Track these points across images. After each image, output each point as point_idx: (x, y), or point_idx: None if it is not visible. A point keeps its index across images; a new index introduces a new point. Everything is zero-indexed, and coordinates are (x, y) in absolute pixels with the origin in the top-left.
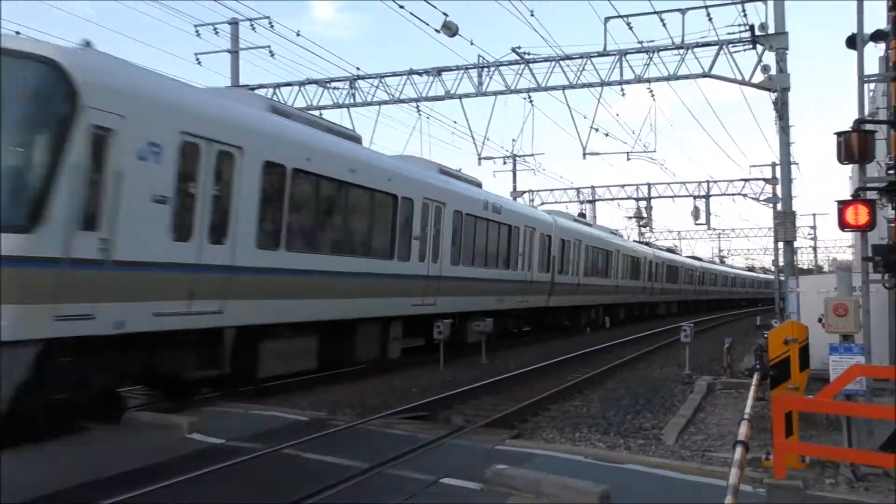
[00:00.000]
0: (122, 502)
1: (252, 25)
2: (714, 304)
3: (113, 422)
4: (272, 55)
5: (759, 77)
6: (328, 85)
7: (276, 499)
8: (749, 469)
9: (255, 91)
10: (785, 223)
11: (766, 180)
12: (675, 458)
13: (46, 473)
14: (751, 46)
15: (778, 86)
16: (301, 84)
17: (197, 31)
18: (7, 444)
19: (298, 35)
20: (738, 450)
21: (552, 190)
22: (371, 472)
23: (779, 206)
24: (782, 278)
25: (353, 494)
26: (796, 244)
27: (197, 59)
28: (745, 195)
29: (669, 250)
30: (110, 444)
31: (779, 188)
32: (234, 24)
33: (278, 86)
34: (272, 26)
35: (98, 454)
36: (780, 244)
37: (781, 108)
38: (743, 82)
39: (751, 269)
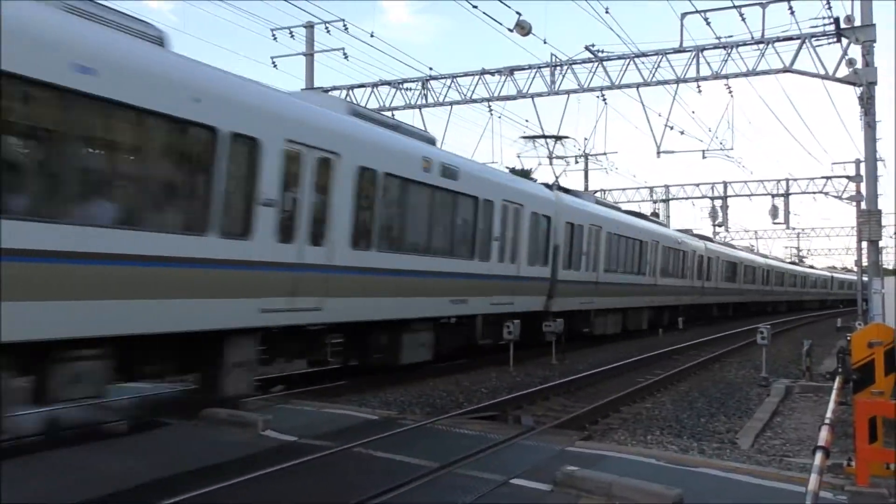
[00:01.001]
0: (197, 497)
1: (327, 28)
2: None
3: (190, 418)
4: (346, 57)
5: (843, 71)
6: (401, 86)
7: (347, 497)
8: (830, 475)
9: (330, 93)
10: (870, 222)
11: (849, 178)
12: (751, 462)
13: (124, 467)
14: (835, 40)
15: (864, 80)
16: (374, 85)
17: (273, 35)
18: (88, 438)
19: (372, 36)
20: (819, 455)
21: (625, 189)
22: (441, 472)
23: (863, 205)
24: (865, 279)
25: (424, 493)
26: (881, 243)
27: (273, 63)
28: (826, 193)
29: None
30: (187, 439)
31: (863, 186)
32: (309, 27)
33: (352, 87)
34: (346, 29)
35: (175, 449)
36: (864, 244)
37: (867, 103)
38: (826, 77)
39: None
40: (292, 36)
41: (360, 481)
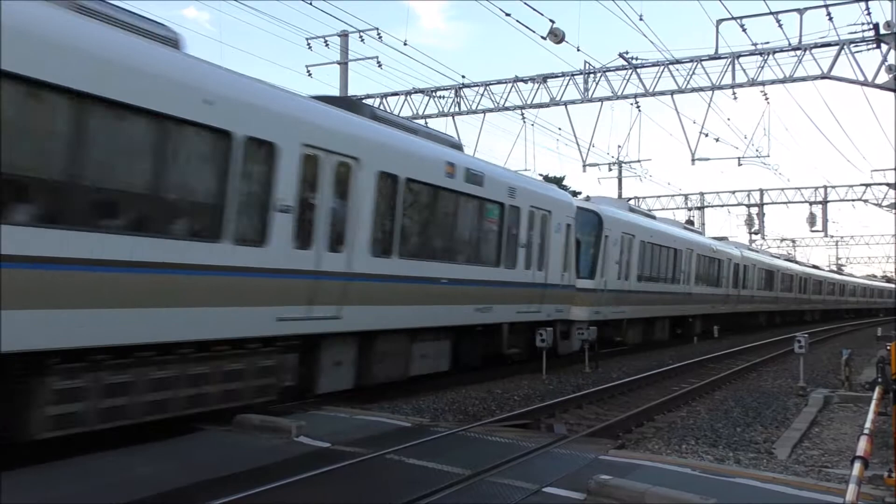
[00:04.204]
0: (231, 502)
1: (361, 37)
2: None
3: (224, 423)
4: (380, 65)
5: (883, 77)
6: (434, 94)
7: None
8: (870, 487)
9: (363, 101)
10: None
11: (889, 185)
12: (788, 472)
13: (158, 471)
14: (874, 45)
15: None
16: (407, 93)
17: (308, 44)
18: (123, 443)
19: (405, 45)
20: (857, 465)
21: (659, 196)
22: (473, 479)
23: None
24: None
25: (456, 501)
26: None
27: (308, 72)
28: (865, 201)
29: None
30: (221, 444)
31: None
32: (343, 36)
33: (385, 95)
34: (380, 37)
35: (209, 454)
36: None
37: None
38: (865, 83)
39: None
40: (327, 45)
41: (393, 488)
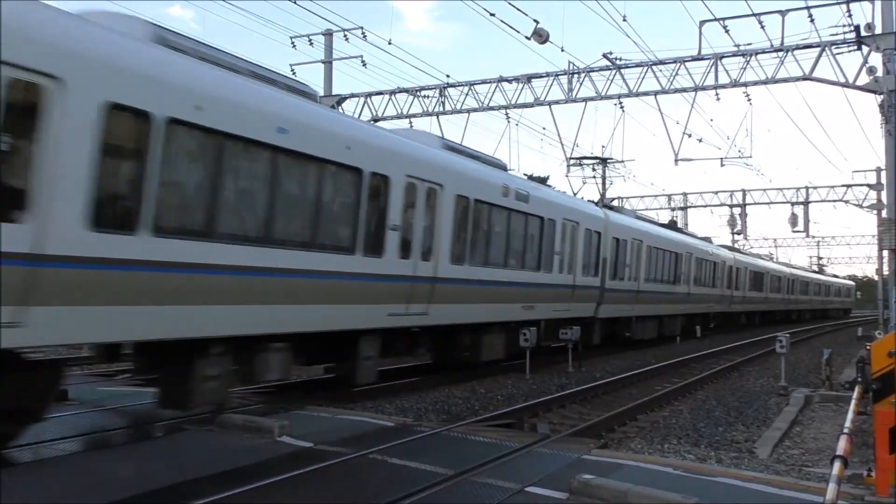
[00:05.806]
0: (213, 502)
1: (346, 36)
2: None
3: (207, 423)
4: (364, 65)
5: (864, 79)
6: (418, 93)
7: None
8: (850, 486)
9: (347, 100)
10: (890, 230)
11: (870, 186)
12: (769, 472)
13: (141, 472)
14: (856, 48)
15: (885, 88)
16: (392, 93)
17: (293, 43)
18: (108, 443)
19: (390, 44)
20: (837, 464)
21: (643, 196)
22: (456, 479)
23: (884, 213)
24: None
25: (439, 500)
26: None
27: (292, 70)
28: (846, 201)
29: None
30: (204, 444)
31: (884, 194)
32: (328, 35)
33: (370, 94)
34: (365, 37)
35: (192, 454)
36: (885, 252)
37: (888, 111)
38: (847, 85)
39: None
40: (311, 44)
41: (376, 488)
